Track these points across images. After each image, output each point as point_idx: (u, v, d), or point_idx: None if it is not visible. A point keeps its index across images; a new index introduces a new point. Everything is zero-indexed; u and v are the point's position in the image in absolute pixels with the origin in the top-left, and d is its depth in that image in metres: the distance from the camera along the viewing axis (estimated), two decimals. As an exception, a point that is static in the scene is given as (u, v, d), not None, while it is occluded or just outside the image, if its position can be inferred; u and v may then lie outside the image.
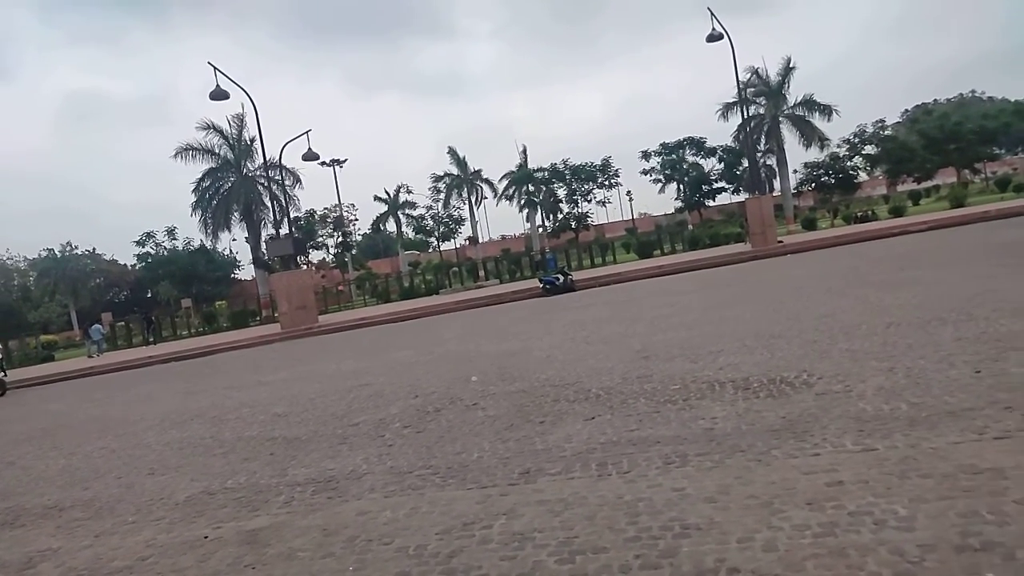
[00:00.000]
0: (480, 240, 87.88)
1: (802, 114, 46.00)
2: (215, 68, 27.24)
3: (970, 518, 3.49)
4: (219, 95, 27.80)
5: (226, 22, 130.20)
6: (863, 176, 56.41)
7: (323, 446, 7.41)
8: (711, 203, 59.71)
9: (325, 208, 63.78)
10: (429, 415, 8.18)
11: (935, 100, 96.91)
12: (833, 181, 49.37)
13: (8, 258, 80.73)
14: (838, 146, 48.65)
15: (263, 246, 40.12)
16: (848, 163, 48.76)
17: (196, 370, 20.33)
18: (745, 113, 37.17)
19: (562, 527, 4.17)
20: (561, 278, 29.58)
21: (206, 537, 5.01)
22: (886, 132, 50.91)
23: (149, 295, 73.87)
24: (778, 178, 47.79)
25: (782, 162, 46.87)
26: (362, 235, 73.24)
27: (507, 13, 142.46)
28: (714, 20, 30.76)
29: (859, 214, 44.61)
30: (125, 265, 78.14)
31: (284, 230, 35.14)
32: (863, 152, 49.09)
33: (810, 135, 45.83)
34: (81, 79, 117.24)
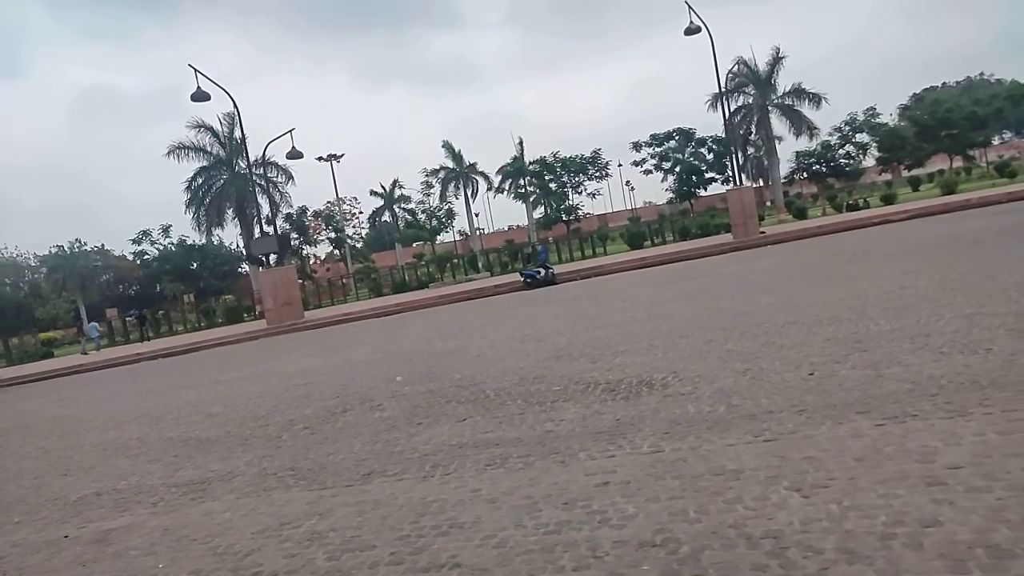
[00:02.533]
0: (483, 232, 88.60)
1: (791, 103, 46.00)
2: (196, 70, 27.81)
3: (675, 516, 3.90)
4: (200, 97, 28.33)
5: (234, 18, 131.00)
6: (868, 163, 56.36)
7: (223, 448, 7.89)
8: (703, 193, 59.84)
9: (328, 202, 64.62)
10: (335, 416, 8.64)
11: (943, 84, 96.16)
12: (825, 170, 49.29)
13: (18, 255, 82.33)
14: (829, 135, 48.65)
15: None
16: (839, 151, 48.66)
17: (171, 367, 20.94)
18: (727, 104, 37.23)
19: (355, 527, 4.62)
20: (542, 271, 29.90)
21: (66, 537, 5.50)
22: (877, 120, 50.79)
23: (158, 290, 75.08)
24: (768, 167, 47.81)
25: (771, 151, 46.87)
26: (369, 227, 73.82)
27: (514, 2, 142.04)
28: (691, 13, 30.87)
29: (850, 202, 44.58)
30: (134, 261, 79.42)
31: (271, 228, 35.66)
32: (854, 140, 49.00)
33: (799, 124, 45.82)
34: (92, 75, 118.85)
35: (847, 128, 49.02)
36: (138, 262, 66.29)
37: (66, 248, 76.97)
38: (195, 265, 69.97)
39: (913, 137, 50.47)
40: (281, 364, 16.01)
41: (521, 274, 30.88)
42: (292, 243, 53.16)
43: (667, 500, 4.16)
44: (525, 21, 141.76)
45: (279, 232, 33.65)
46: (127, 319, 40.34)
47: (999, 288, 9.39)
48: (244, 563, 4.34)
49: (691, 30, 31.26)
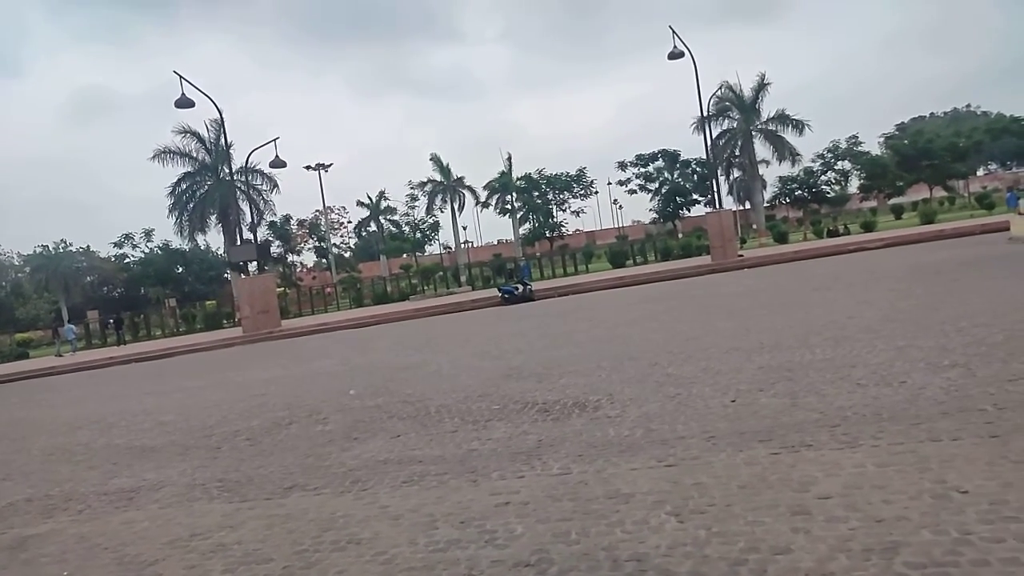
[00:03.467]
0: (472, 245, 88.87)
1: (775, 129, 46.58)
2: (181, 77, 27.96)
3: (558, 538, 4.05)
4: (184, 103, 28.49)
5: (233, 26, 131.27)
6: (852, 189, 56.99)
7: (162, 457, 7.99)
8: (689, 214, 60.36)
9: (316, 211, 64.73)
10: (279, 428, 8.75)
11: (931, 114, 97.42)
12: (808, 195, 49.83)
13: (2, 253, 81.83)
14: (812, 161, 49.24)
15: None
16: (822, 178, 49.23)
17: (140, 373, 20.94)
18: (711, 128, 37.62)
19: (260, 540, 4.74)
20: (520, 288, 30.10)
21: (-14, 541, 5.59)
22: (859, 148, 51.43)
23: (142, 292, 74.84)
24: (752, 191, 48.34)
25: (754, 176, 47.38)
26: (357, 238, 73.86)
27: (513, 17, 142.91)
28: (675, 38, 31.32)
29: (831, 228, 45.10)
30: (120, 262, 79.14)
31: (257, 235, 35.72)
32: (836, 168, 49.60)
33: (782, 150, 46.39)
34: (88, 76, 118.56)
35: (829, 155, 49.65)
36: (118, 265, 65.81)
37: (51, 248, 76.69)
38: (180, 269, 69.92)
39: (895, 166, 51.18)
40: (246, 373, 16.08)
41: (499, 289, 31.08)
42: (276, 251, 53.19)
43: (556, 522, 4.31)
44: (522, 38, 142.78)
45: (259, 240, 33.65)
46: (105, 323, 40.19)
47: (937, 321, 9.62)
48: (145, 572, 4.45)
49: (674, 54, 31.71)
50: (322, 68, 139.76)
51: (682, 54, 31.69)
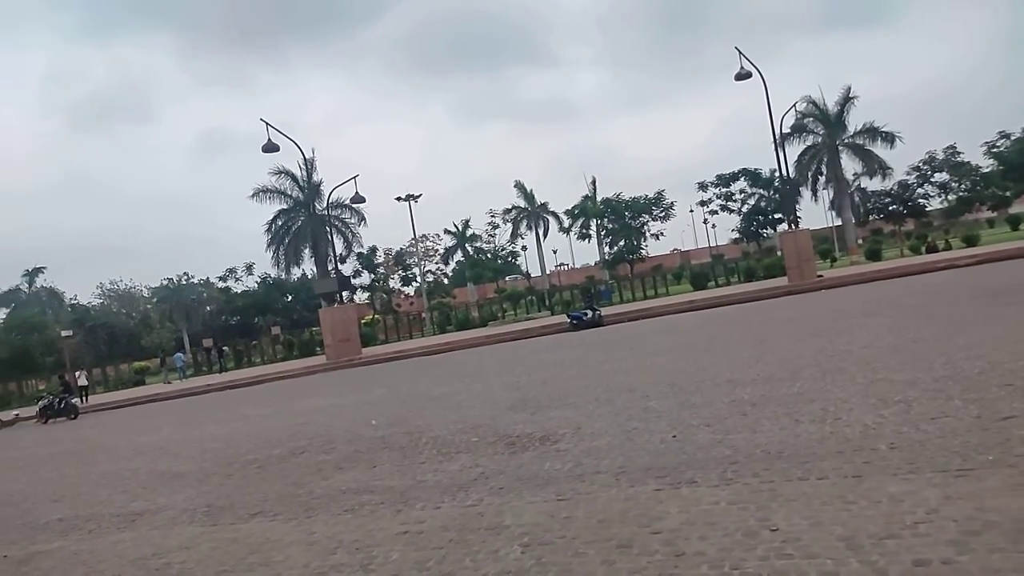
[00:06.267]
0: (567, 267, 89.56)
1: (862, 143, 44.84)
2: (267, 124, 30.22)
3: (418, 564, 4.59)
4: (270, 148, 30.73)
5: (340, 61, 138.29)
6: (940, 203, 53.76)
7: (183, 482, 9.00)
8: (770, 232, 58.63)
9: (411, 240, 67.26)
10: (292, 457, 9.63)
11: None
12: (904, 210, 47.52)
13: (132, 287, 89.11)
14: (907, 174, 46.99)
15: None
16: (917, 191, 46.87)
17: (224, 400, 22.67)
18: (783, 148, 36.74)
19: (198, 560, 5.52)
20: (589, 313, 30.43)
21: (5, 556, 6.64)
22: (958, 159, 48.55)
23: (255, 321, 79.84)
24: (840, 208, 46.56)
25: (842, 192, 45.67)
26: (445, 264, 76.04)
27: (609, 38, 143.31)
28: (742, 58, 31.08)
29: (929, 244, 42.95)
30: (238, 293, 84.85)
31: (346, 267, 37.66)
32: (932, 180, 47.11)
33: (871, 164, 44.58)
34: (211, 119, 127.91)
35: (925, 167, 47.29)
36: (222, 298, 70.60)
37: (174, 280, 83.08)
38: (289, 298, 74.07)
39: (998, 176, 48.09)
40: (305, 401, 17.26)
41: (568, 315, 31.49)
42: (367, 280, 55.72)
43: (430, 550, 4.86)
44: (618, 58, 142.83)
45: (340, 272, 35.58)
46: (208, 351, 43.22)
47: (938, 352, 9.51)
48: (100, 584, 5.31)
49: (741, 75, 31.43)
50: (425, 98, 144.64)
51: (749, 75, 31.38)
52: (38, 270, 79.27)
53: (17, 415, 28.29)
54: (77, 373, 34.50)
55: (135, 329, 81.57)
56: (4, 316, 67.05)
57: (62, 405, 25.54)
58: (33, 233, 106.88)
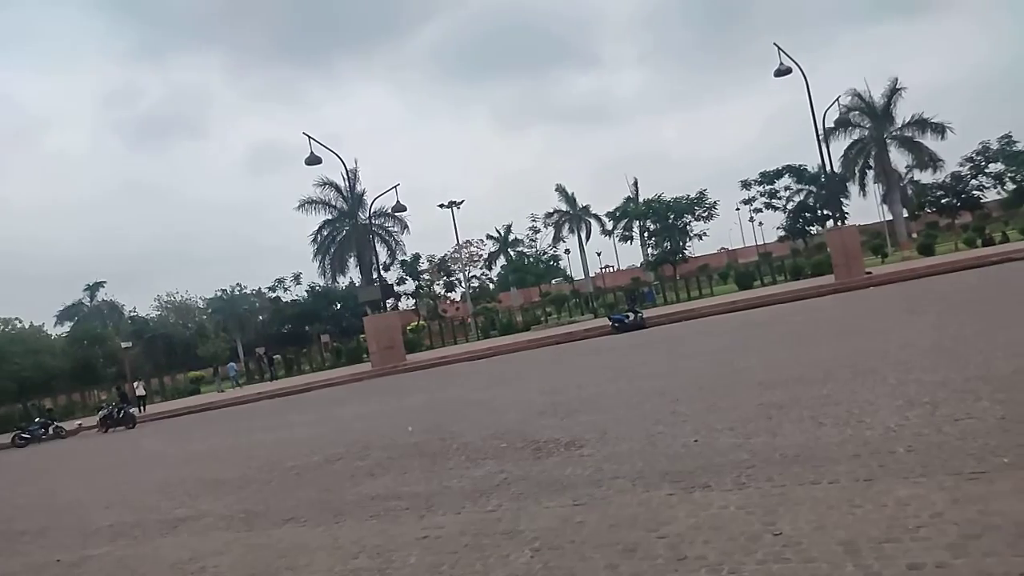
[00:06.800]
0: (612, 269, 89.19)
1: (911, 135, 43.62)
2: (309, 137, 30.96)
3: (432, 568, 4.75)
4: (313, 161, 31.44)
5: (384, 73, 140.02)
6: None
7: (225, 489, 9.34)
8: (820, 229, 57.34)
9: (456, 246, 67.97)
10: (328, 464, 9.91)
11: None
12: (957, 203, 46.03)
13: (188, 298, 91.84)
14: (960, 165, 45.50)
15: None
16: (971, 183, 45.34)
17: (272, 408, 23.28)
18: (826, 143, 35.89)
19: (231, 565, 5.78)
20: (631, 316, 30.31)
21: (58, 560, 7.02)
22: (1015, 148, 46.78)
23: (306, 330, 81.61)
24: (890, 202, 45.35)
25: (892, 186, 44.46)
26: (488, 269, 76.46)
27: (652, 37, 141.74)
28: (781, 54, 30.63)
29: (986, 237, 41.68)
30: (288, 302, 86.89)
31: (390, 274, 38.21)
32: (986, 171, 45.52)
33: (921, 156, 43.33)
34: (261, 132, 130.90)
35: (979, 158, 45.74)
36: (271, 308, 72.26)
37: (228, 291, 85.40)
38: (338, 306, 75.49)
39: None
40: (348, 409, 17.67)
41: (609, 318, 31.42)
42: (418, 286, 56.49)
43: (445, 554, 5.02)
44: (662, 57, 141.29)
45: (383, 280, 36.12)
46: (258, 360, 44.28)
47: (977, 351, 9.35)
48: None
49: (781, 71, 30.97)
50: (467, 104, 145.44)
51: (789, 70, 30.89)
52: (99, 284, 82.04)
53: (80, 424, 29.50)
54: (135, 384, 35.75)
55: (191, 339, 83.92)
56: (67, 329, 69.49)
57: (120, 415, 26.55)
58: (94, 248, 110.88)
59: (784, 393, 8.78)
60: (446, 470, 7.97)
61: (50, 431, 27.70)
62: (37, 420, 28.85)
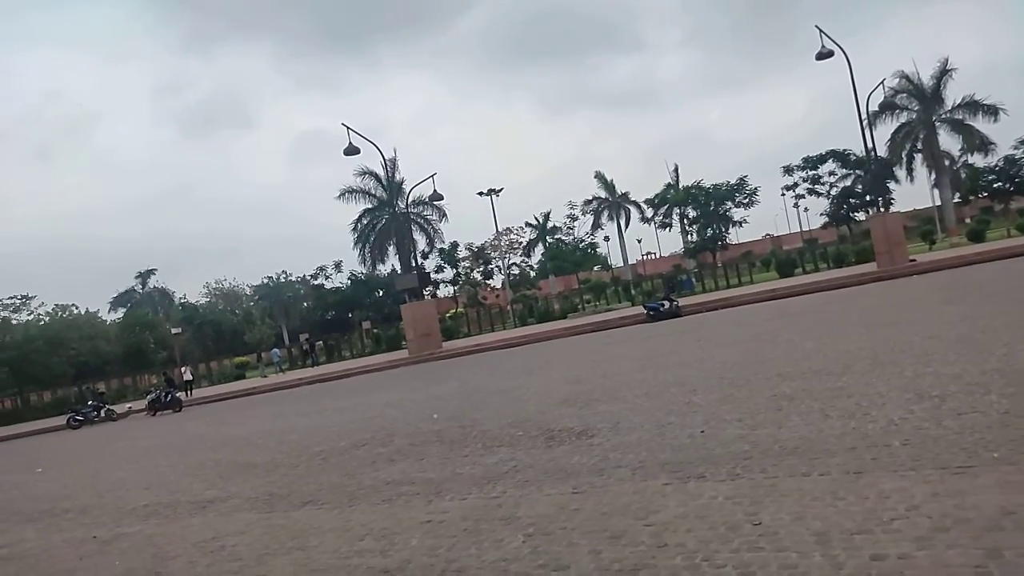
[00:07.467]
0: (654, 256, 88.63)
1: (961, 118, 42.23)
2: (348, 128, 31.44)
3: (430, 551, 4.98)
4: (351, 151, 31.93)
5: (427, 60, 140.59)
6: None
7: (255, 472, 9.74)
8: (861, 216, 56.06)
9: (496, 233, 68.33)
10: (353, 449, 10.25)
11: None
12: (1011, 188, 44.48)
13: (236, 285, 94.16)
14: (1014, 148, 43.90)
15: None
16: (1027, 166, 43.76)
17: (312, 394, 23.88)
18: (871, 127, 35.01)
19: (248, 543, 6.10)
20: (666, 304, 30.20)
21: (94, 537, 7.46)
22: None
23: (349, 316, 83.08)
24: (939, 187, 44.02)
25: (941, 170, 43.13)
26: (529, 256, 76.57)
27: (696, 20, 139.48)
28: (823, 37, 30.01)
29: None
30: (331, 289, 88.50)
31: (428, 262, 38.61)
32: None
33: (972, 140, 41.95)
34: (307, 121, 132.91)
35: (1033, 139, 44.15)
36: (313, 296, 73.62)
37: (273, 279, 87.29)
38: (380, 293, 76.61)
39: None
40: (381, 395, 18.06)
41: (645, 307, 31.34)
42: (457, 274, 57.04)
43: (444, 538, 5.25)
44: (706, 41, 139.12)
45: (421, 268, 36.56)
46: (301, 346, 45.29)
47: (1002, 343, 9.20)
48: (166, 562, 5.97)
49: (823, 54, 30.36)
50: (507, 91, 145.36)
51: (831, 53, 30.26)
52: (150, 271, 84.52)
53: (130, 408, 30.61)
54: (182, 368, 36.93)
55: (238, 326, 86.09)
56: (121, 316, 71.82)
57: (168, 399, 27.51)
58: (146, 236, 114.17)
59: (799, 384, 8.80)
60: (461, 457, 8.21)
61: (102, 414, 28.81)
62: (90, 403, 30.01)
